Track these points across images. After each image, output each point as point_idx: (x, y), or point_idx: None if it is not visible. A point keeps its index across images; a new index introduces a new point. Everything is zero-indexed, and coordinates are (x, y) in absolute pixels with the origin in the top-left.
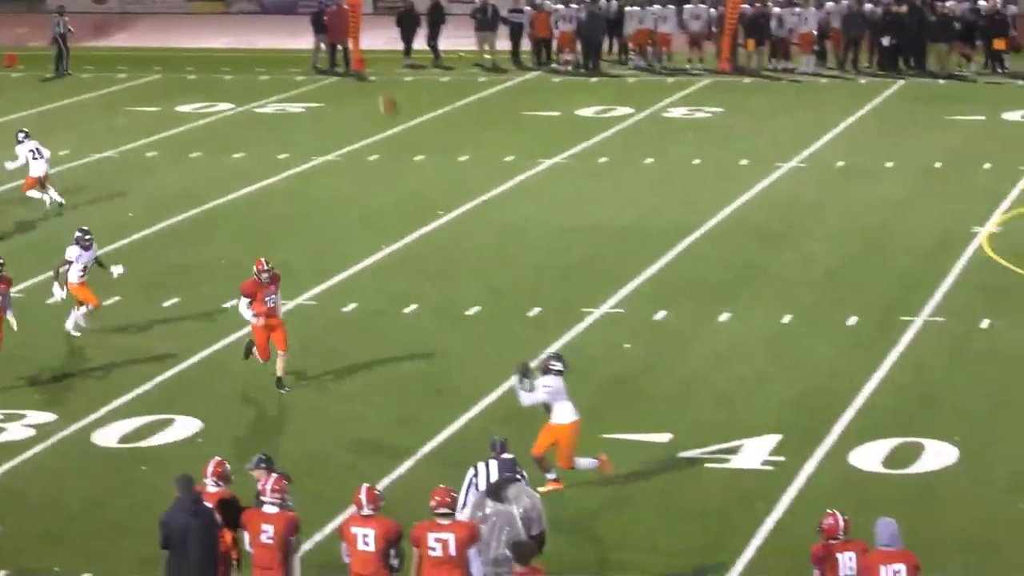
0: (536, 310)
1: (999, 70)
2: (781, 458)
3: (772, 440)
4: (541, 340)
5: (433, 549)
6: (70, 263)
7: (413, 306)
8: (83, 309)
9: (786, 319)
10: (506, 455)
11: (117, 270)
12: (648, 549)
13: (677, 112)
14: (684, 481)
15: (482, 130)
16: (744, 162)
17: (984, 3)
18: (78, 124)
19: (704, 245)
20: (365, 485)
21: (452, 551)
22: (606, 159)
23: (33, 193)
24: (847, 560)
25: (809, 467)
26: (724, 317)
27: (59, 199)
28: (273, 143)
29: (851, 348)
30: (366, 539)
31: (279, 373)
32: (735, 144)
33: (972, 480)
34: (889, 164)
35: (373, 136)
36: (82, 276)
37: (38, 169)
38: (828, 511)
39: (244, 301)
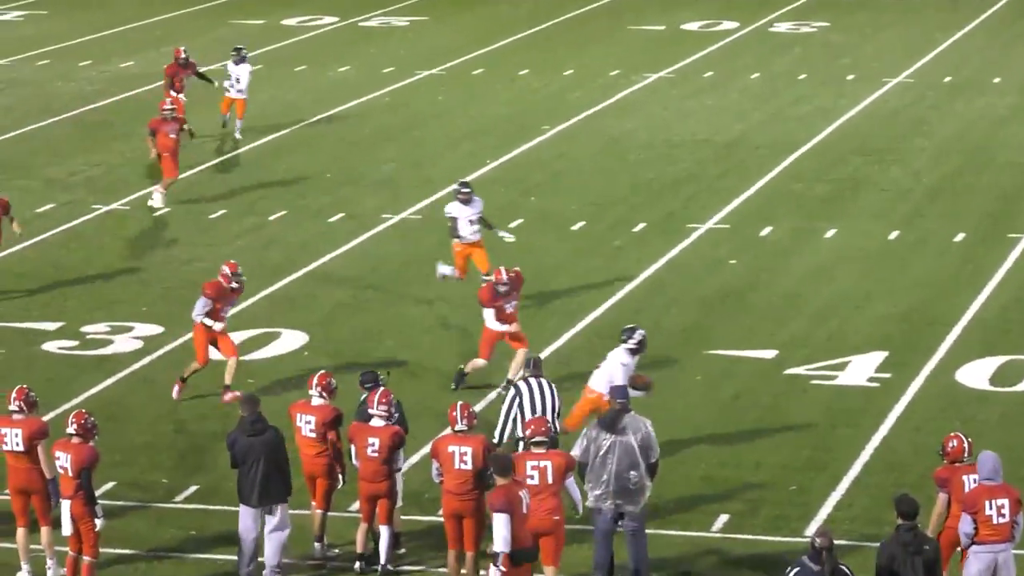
0: (641, 225)
1: None
2: (887, 375)
3: (878, 357)
4: (647, 256)
5: (531, 477)
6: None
7: (518, 220)
8: None
9: (892, 235)
10: (619, 383)
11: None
12: (753, 465)
13: (783, 27)
14: (789, 398)
15: (586, 44)
16: (850, 77)
17: None
18: (186, 37)
19: (809, 161)
20: (460, 402)
21: (549, 479)
22: (711, 74)
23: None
24: (972, 483)
25: (915, 384)
26: (829, 233)
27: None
28: (378, 57)
29: (957, 264)
30: (464, 457)
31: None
32: (841, 59)
33: None
34: (996, 80)
35: (477, 51)
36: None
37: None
38: (952, 433)
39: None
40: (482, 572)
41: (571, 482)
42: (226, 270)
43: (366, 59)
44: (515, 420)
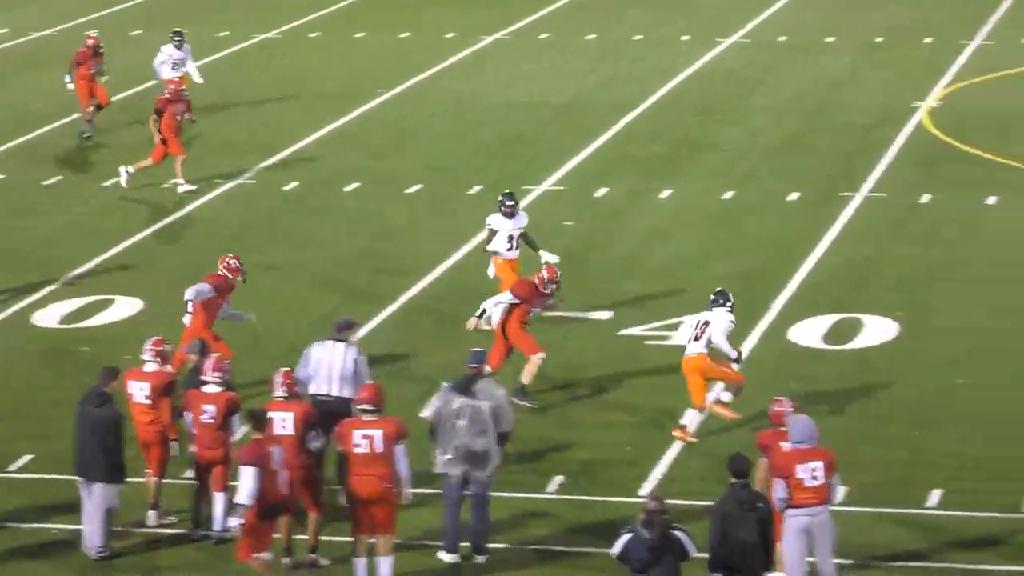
0: (478, 187)
1: None
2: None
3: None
4: (485, 217)
5: (359, 446)
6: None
7: (356, 183)
8: None
9: (727, 195)
10: (475, 348)
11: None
12: (588, 426)
13: None
14: (625, 358)
15: (422, 7)
16: (685, 38)
17: None
18: (236, 7)
19: (645, 121)
20: (282, 368)
21: (379, 447)
22: (548, 35)
23: None
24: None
25: (749, 343)
26: (666, 193)
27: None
28: (218, 21)
29: (792, 224)
30: (284, 423)
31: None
32: (676, 20)
33: (910, 355)
34: (831, 39)
35: (314, 13)
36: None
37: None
38: (776, 398)
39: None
40: (231, 521)
41: (401, 449)
42: (234, 263)
43: (203, 24)
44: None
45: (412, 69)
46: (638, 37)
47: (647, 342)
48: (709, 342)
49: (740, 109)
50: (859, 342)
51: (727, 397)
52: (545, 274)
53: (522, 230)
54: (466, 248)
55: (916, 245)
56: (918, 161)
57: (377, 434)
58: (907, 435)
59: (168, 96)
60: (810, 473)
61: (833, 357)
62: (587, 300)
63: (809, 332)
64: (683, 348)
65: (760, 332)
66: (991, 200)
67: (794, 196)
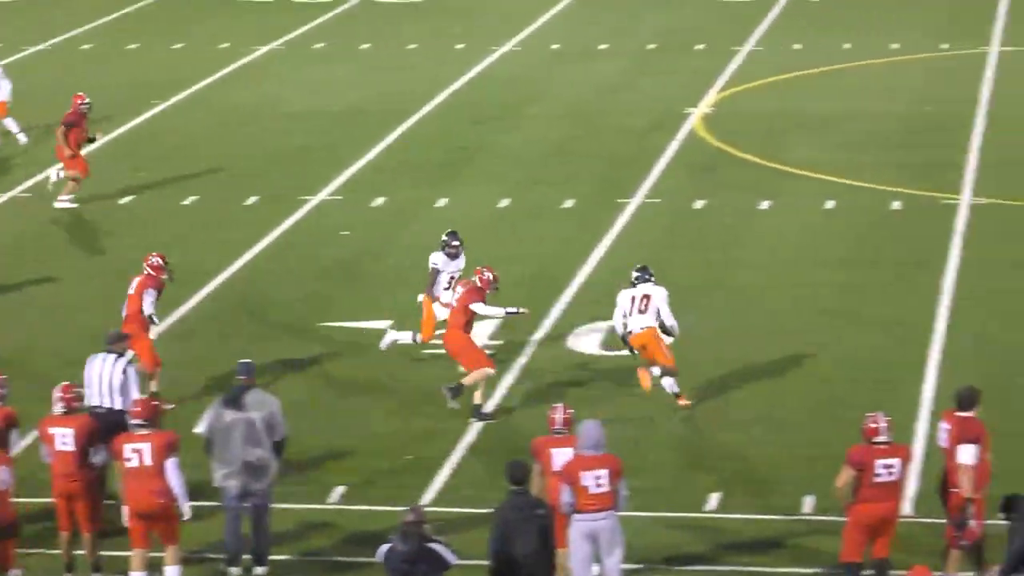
0: (253, 198)
1: None
2: (500, 341)
3: (490, 324)
4: (262, 228)
5: (129, 460)
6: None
7: (130, 196)
8: None
9: (503, 202)
10: (244, 360)
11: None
12: (369, 436)
13: None
14: (404, 367)
15: (194, 18)
16: (460, 46)
17: None
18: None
19: (422, 129)
20: (63, 383)
21: (149, 460)
22: (322, 45)
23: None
24: (561, 455)
25: (528, 350)
26: (442, 202)
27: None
28: None
29: (569, 230)
30: (65, 438)
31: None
32: (451, 28)
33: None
34: (604, 46)
35: (85, 25)
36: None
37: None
38: (555, 405)
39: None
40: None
41: (172, 463)
42: (158, 261)
43: None
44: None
45: (186, 80)
46: (413, 46)
47: (424, 350)
48: (658, 314)
49: (515, 116)
50: None
51: (657, 371)
52: (489, 274)
53: (461, 271)
54: (246, 257)
55: (691, 250)
56: (692, 167)
57: (146, 447)
58: (686, 439)
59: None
60: (595, 480)
61: (609, 363)
62: (364, 311)
63: (588, 339)
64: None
65: (539, 339)
66: (764, 205)
67: (569, 203)
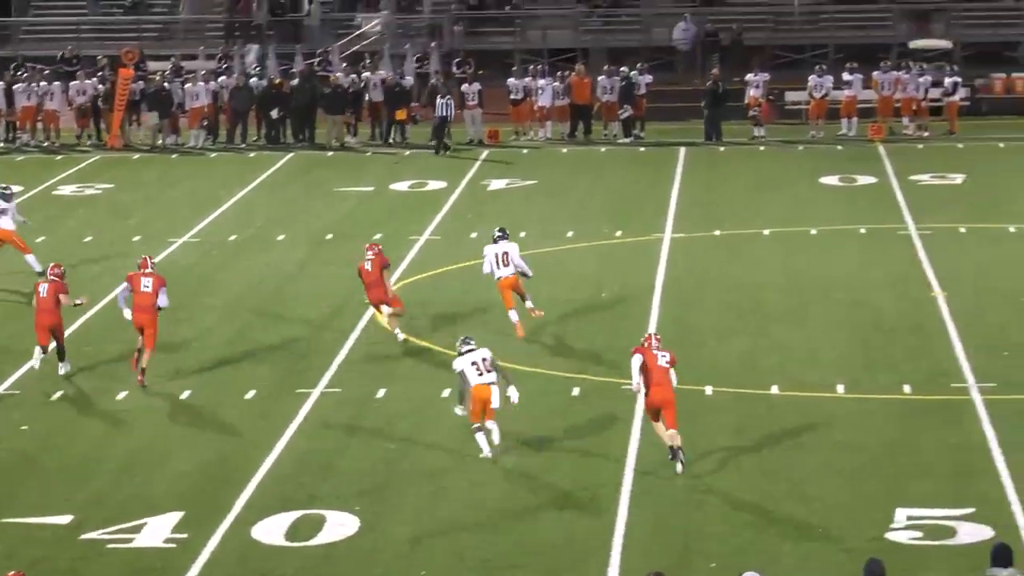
0: None
1: (401, 139)
2: (183, 535)
3: (174, 517)
4: None
5: None
6: None
7: None
8: None
9: (185, 394)
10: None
11: None
12: None
13: (67, 189)
14: (88, 563)
15: None
16: (137, 238)
17: (382, 75)
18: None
19: (96, 323)
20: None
21: None
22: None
23: None
24: None
25: (212, 543)
26: (122, 395)
27: None
28: None
29: (251, 421)
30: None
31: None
32: (128, 220)
33: (372, 547)
34: (281, 236)
35: None
36: None
37: None
38: None
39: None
40: None
41: None
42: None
43: None
44: None
45: None
46: (88, 239)
47: (108, 545)
48: (515, 265)
49: (192, 307)
50: (321, 538)
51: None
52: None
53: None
54: None
55: (372, 438)
56: (373, 356)
57: None
58: None
59: None
60: None
61: (295, 553)
62: (46, 505)
63: (272, 529)
64: (147, 549)
65: (222, 531)
66: (445, 393)
67: (251, 394)
